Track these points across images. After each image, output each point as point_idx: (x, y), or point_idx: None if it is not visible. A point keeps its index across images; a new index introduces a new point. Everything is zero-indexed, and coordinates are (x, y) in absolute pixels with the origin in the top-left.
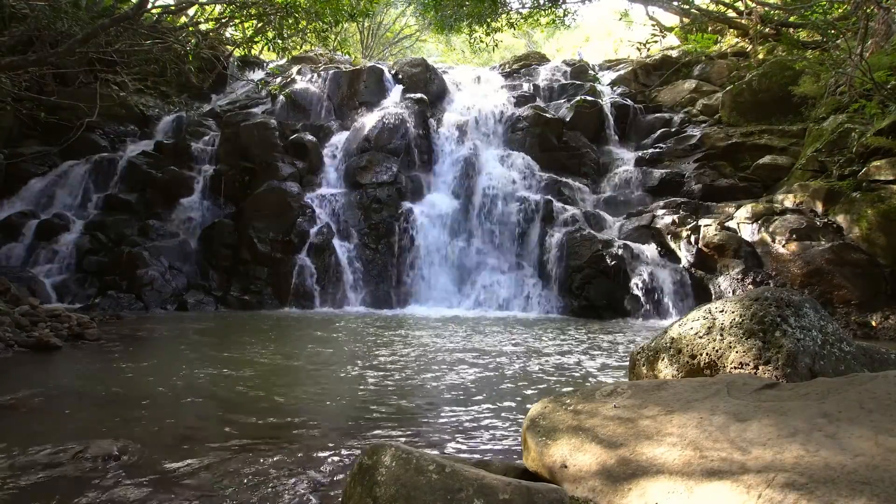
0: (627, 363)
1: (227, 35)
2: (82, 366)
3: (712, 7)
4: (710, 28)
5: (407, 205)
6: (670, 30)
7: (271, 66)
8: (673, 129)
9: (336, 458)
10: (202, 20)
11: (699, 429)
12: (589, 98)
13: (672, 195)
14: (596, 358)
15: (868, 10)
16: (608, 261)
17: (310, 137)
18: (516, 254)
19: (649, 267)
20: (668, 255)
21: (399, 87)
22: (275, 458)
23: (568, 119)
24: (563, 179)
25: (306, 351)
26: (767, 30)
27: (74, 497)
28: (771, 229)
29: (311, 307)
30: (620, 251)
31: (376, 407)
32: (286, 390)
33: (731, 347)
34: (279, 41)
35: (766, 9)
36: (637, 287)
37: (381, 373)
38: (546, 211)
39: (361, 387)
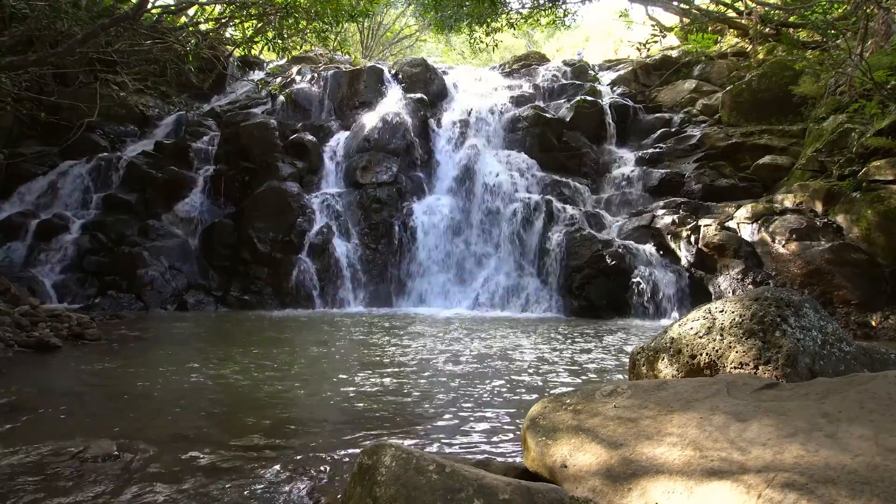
0: (627, 363)
1: (227, 35)
2: (82, 366)
3: (712, 7)
4: (710, 28)
5: (407, 205)
6: (670, 30)
7: (271, 66)
8: (673, 129)
9: (336, 458)
10: (202, 20)
11: (699, 429)
12: (589, 98)
13: (672, 195)
14: (596, 358)
15: (868, 10)
16: (608, 261)
17: (310, 137)
18: (516, 254)
19: (649, 267)
20: (668, 255)
21: (399, 87)
22: (275, 458)
23: (568, 119)
24: (563, 179)
25: (306, 351)
26: (767, 30)
27: (74, 497)
28: (771, 229)
29: (312, 307)
30: (620, 251)
31: (376, 407)
32: (286, 390)
33: (731, 347)
34: (279, 41)
35: (766, 9)
36: (637, 287)
37: (381, 373)
38: (546, 211)
39: (361, 387)
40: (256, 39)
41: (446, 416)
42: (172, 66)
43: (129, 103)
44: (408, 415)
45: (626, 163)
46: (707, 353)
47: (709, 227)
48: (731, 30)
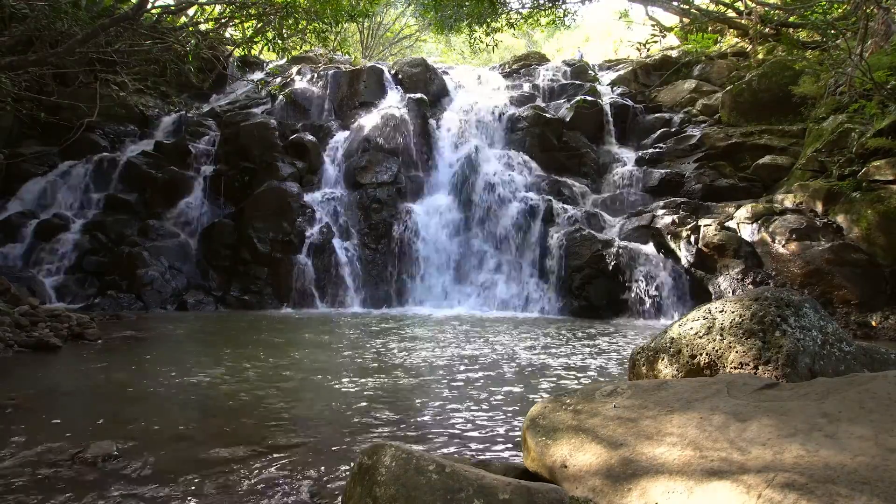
0: (627, 363)
1: (227, 35)
2: (82, 366)
3: (712, 7)
4: (710, 28)
5: (407, 205)
6: (670, 30)
7: (271, 66)
8: (673, 129)
9: (336, 459)
10: (202, 20)
11: (699, 429)
12: (589, 98)
13: (672, 195)
14: (596, 358)
15: (868, 10)
16: (608, 261)
17: (310, 137)
18: (516, 254)
19: (649, 267)
20: (668, 255)
21: (399, 87)
22: (274, 459)
23: (568, 119)
24: (563, 179)
25: (306, 351)
26: (767, 30)
27: (74, 497)
28: (771, 229)
29: (311, 307)
30: (620, 251)
31: (376, 407)
32: (286, 391)
33: (730, 347)
34: (279, 41)
35: (766, 9)
36: (637, 287)
37: (381, 373)
38: (546, 211)
39: (361, 387)
40: (256, 39)
41: (446, 417)
42: (172, 66)
43: (129, 103)
44: (408, 415)
45: (626, 163)
46: (707, 353)
47: (709, 227)
48: (731, 30)
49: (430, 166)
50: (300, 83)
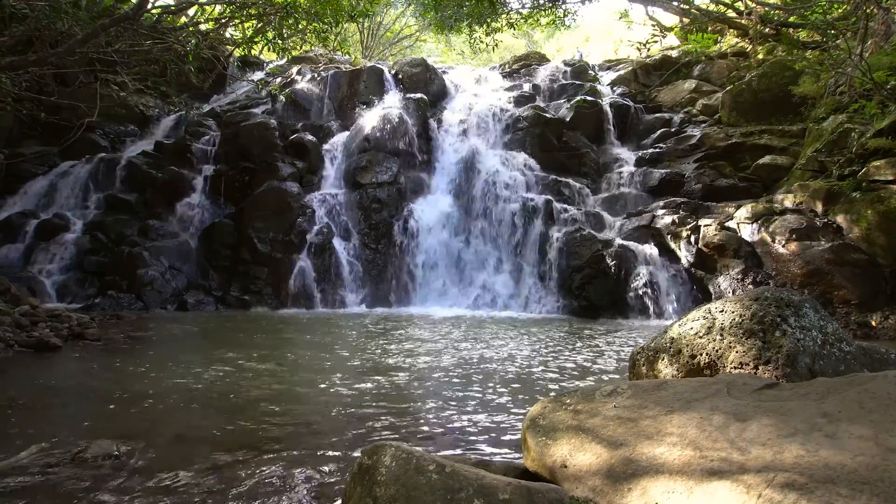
0: (627, 363)
1: (227, 35)
2: (82, 366)
3: (712, 7)
4: (710, 28)
5: (407, 205)
6: (670, 30)
7: (271, 66)
8: (673, 129)
9: (336, 458)
10: (202, 20)
11: (699, 429)
12: (589, 98)
13: (672, 195)
14: (596, 358)
15: (868, 10)
16: (608, 261)
17: (310, 137)
18: (516, 254)
19: (649, 267)
20: (668, 255)
21: (399, 88)
22: (275, 458)
23: (568, 119)
24: (563, 179)
25: (306, 351)
26: (767, 30)
27: (74, 497)
28: (771, 229)
29: (311, 307)
30: (620, 251)
31: (376, 407)
32: (285, 390)
33: (730, 347)
34: (279, 41)
35: (766, 9)
36: (637, 287)
37: (381, 373)
38: (546, 211)
39: (361, 387)
40: (256, 39)
41: (446, 417)
42: (172, 66)
43: (129, 103)
44: (408, 415)
45: (626, 163)
46: (707, 353)
47: (709, 227)
48: (731, 30)
49: (430, 166)
50: (300, 83)
